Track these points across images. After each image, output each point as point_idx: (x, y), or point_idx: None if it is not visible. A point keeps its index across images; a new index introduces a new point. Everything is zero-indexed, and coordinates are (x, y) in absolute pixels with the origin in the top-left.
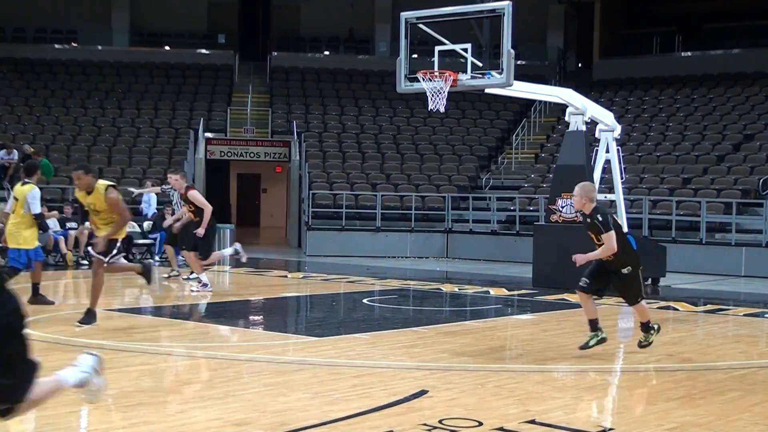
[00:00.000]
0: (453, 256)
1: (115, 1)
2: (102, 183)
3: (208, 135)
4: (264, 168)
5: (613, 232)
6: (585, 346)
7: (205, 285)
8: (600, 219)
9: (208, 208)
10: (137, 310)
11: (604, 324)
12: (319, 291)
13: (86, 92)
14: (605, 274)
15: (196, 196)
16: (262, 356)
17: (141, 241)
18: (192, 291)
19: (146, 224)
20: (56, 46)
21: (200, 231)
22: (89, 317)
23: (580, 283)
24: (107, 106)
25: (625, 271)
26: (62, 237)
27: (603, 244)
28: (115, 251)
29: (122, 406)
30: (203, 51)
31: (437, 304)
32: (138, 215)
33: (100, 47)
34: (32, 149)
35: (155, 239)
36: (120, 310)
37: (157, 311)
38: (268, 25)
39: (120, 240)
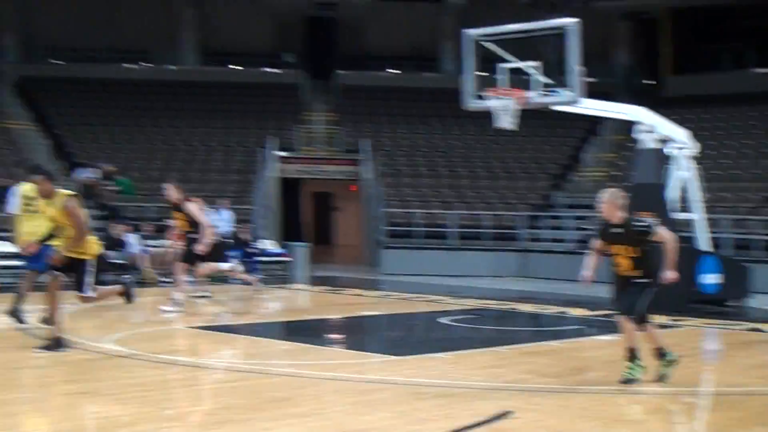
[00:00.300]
0: (530, 275)
1: (184, 21)
2: (64, 192)
3: (281, 153)
4: (336, 186)
5: (662, 227)
6: (628, 381)
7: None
8: (642, 224)
9: (205, 223)
10: (218, 328)
11: (687, 345)
12: (396, 310)
13: (159, 111)
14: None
15: (194, 209)
16: (343, 375)
17: None
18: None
19: None
20: (127, 65)
21: (201, 248)
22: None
23: (631, 316)
24: (180, 126)
25: (641, 281)
26: (143, 254)
27: (636, 256)
28: (88, 279)
29: (209, 424)
30: (271, 70)
31: (516, 324)
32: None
33: (170, 67)
34: (113, 168)
35: (231, 257)
36: (203, 328)
37: (240, 329)
38: (334, 44)
39: (89, 263)
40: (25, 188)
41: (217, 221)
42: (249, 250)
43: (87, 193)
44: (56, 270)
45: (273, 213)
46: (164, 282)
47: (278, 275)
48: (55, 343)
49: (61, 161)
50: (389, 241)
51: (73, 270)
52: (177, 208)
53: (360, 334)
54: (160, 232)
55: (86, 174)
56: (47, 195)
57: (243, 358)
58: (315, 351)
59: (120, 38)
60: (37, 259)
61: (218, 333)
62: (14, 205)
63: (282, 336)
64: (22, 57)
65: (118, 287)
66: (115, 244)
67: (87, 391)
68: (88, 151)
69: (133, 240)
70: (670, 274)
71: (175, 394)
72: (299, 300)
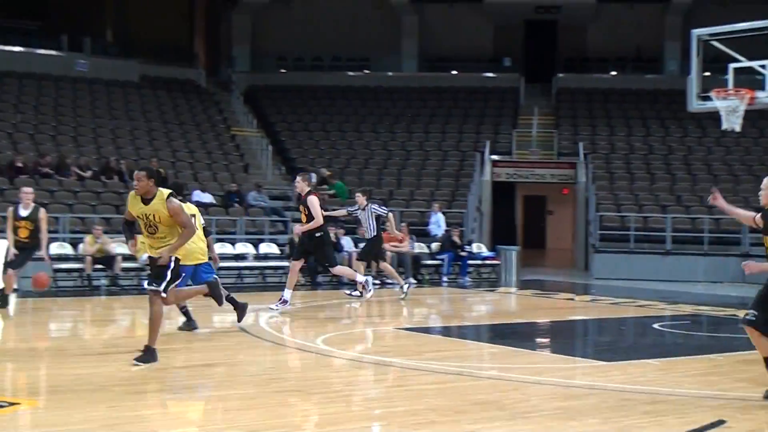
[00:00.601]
0: (751, 281)
1: (404, 29)
2: (164, 191)
3: (494, 157)
4: (549, 190)
5: None
6: None
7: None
8: None
9: (318, 221)
10: (426, 330)
11: None
12: (606, 314)
13: (377, 117)
14: None
15: (314, 203)
16: (549, 379)
17: (429, 262)
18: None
19: (434, 245)
20: (350, 73)
21: (298, 229)
22: (147, 355)
23: (747, 316)
24: (397, 131)
25: None
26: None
27: None
28: (170, 276)
29: (413, 424)
30: (489, 74)
31: (733, 331)
32: (425, 236)
33: (390, 73)
34: (328, 172)
35: (443, 260)
36: (409, 329)
37: (446, 331)
38: (553, 47)
39: (177, 266)
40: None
41: (433, 224)
42: (460, 253)
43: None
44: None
45: (485, 216)
46: (387, 283)
47: (488, 278)
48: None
49: (284, 166)
50: (602, 245)
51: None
52: (303, 201)
53: (568, 338)
54: None
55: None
56: (146, 194)
57: (450, 360)
58: (522, 354)
59: (343, 47)
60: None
61: (425, 335)
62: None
63: (489, 339)
64: (252, 67)
65: (202, 287)
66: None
67: (297, 389)
68: (309, 156)
69: (346, 242)
70: (752, 266)
71: (382, 394)
72: (508, 303)
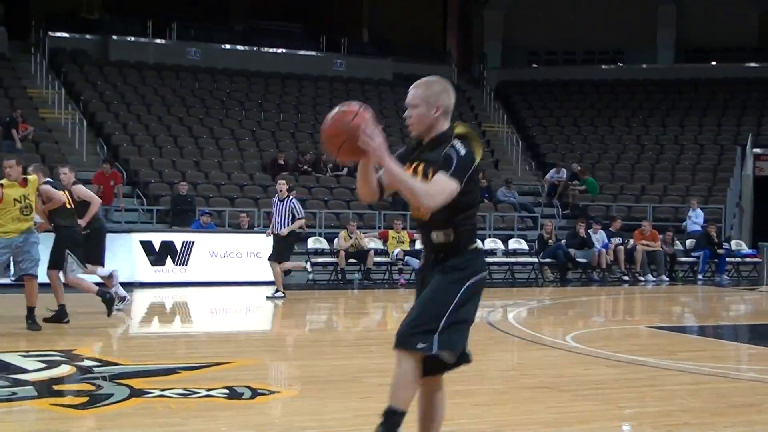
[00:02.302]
0: None
1: (660, 19)
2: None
3: (757, 150)
4: None
5: None
6: None
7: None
8: None
9: (96, 201)
10: (681, 329)
11: None
12: None
13: (631, 111)
14: None
15: (82, 190)
16: None
17: (684, 259)
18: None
19: (689, 241)
20: (603, 66)
21: (83, 222)
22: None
23: None
24: (651, 124)
25: None
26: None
27: None
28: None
29: (665, 425)
30: (752, 65)
31: None
32: (680, 233)
33: (644, 66)
34: (580, 168)
35: (698, 257)
36: (663, 328)
37: (701, 330)
38: None
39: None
40: None
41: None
42: (717, 251)
43: (554, 193)
44: None
45: (746, 213)
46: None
47: (748, 277)
48: None
49: (534, 162)
50: None
51: None
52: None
53: None
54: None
55: (554, 174)
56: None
57: (705, 361)
58: None
59: (596, 40)
60: None
61: (679, 334)
62: None
63: (749, 340)
64: (503, 63)
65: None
66: (581, 242)
67: (547, 386)
68: (560, 152)
69: (597, 238)
70: None
71: (633, 393)
72: None
